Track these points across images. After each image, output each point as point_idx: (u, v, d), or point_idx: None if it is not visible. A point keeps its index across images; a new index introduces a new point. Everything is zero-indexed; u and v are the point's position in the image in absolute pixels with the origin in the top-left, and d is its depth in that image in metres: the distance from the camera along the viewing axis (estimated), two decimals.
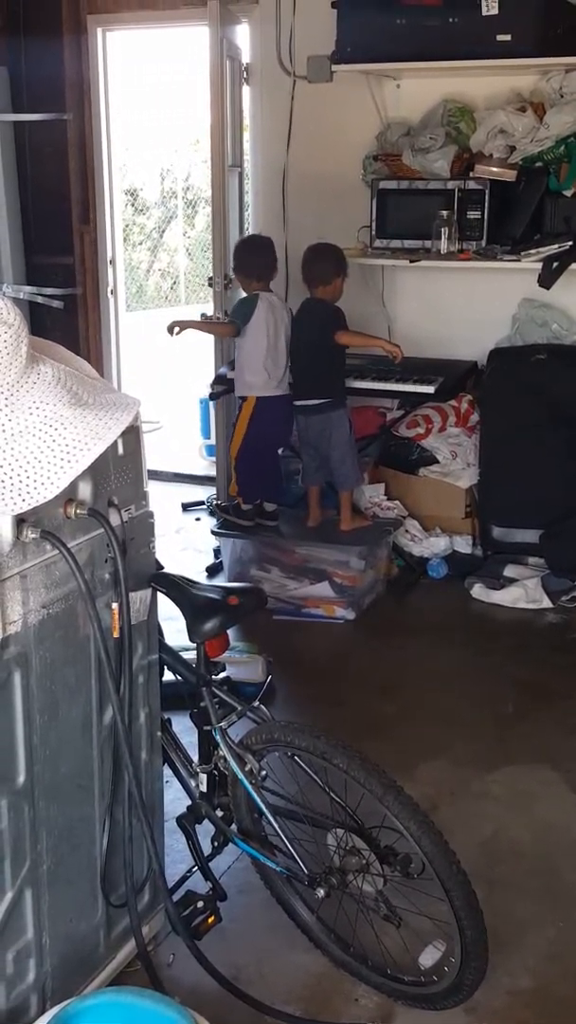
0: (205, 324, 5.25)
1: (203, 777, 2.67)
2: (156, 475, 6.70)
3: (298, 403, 4.91)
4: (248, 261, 4.93)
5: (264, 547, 4.97)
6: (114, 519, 2.26)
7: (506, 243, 5.10)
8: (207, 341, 5.53)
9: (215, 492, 5.91)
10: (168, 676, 2.68)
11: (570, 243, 4.86)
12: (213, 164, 5.33)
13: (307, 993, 2.56)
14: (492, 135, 5.02)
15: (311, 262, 4.85)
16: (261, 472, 5.02)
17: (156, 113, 12.95)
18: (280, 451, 5.07)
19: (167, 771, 2.71)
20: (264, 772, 2.52)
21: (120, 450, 2.30)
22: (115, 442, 2.17)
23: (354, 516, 4.99)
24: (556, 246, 4.88)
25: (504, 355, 5.14)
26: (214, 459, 6.07)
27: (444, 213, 5.07)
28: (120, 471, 2.32)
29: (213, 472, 6.09)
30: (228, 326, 4.99)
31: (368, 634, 4.65)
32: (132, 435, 2.34)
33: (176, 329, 4.98)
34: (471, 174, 5.11)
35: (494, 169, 5.03)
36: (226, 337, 5.14)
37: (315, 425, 4.92)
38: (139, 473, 2.40)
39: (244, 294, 4.98)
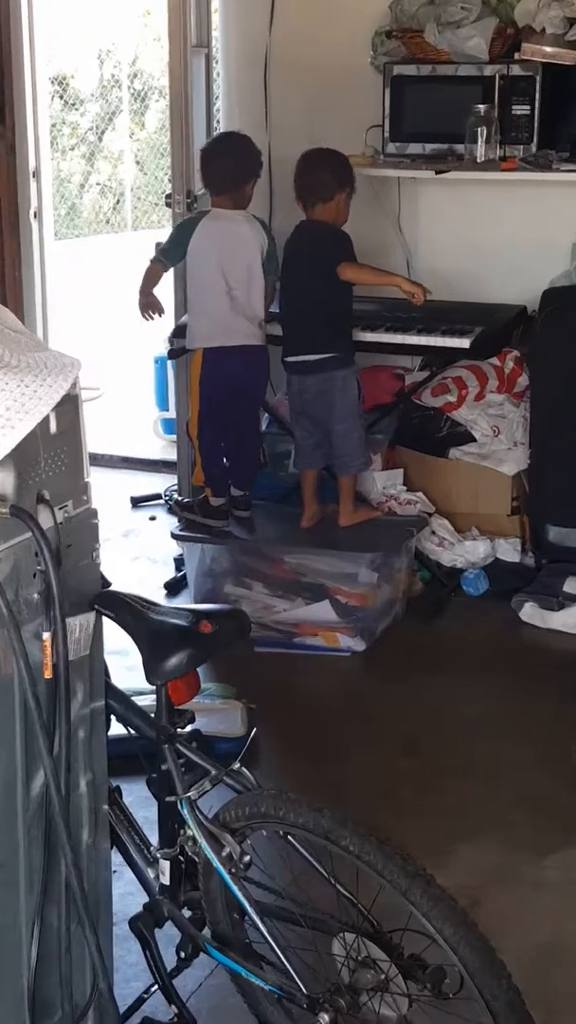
0: (147, 277, 5.23)
1: (165, 865, 2.65)
2: (97, 460, 6.70)
3: (289, 359, 4.92)
4: (203, 167, 5.05)
5: (242, 555, 4.97)
6: (44, 520, 2.25)
7: (564, 148, 5.13)
8: (165, 280, 5.52)
9: (175, 483, 5.92)
10: (118, 729, 2.66)
11: None
12: (171, 43, 5.33)
13: None
14: (545, 3, 5.05)
15: (304, 173, 4.88)
16: (225, 450, 5.08)
17: None
18: (249, 419, 5.11)
19: (116, 857, 2.70)
20: (247, 858, 2.51)
21: (53, 427, 2.29)
22: (46, 417, 2.16)
23: (357, 508, 5.01)
24: None
25: (562, 297, 5.16)
26: (174, 438, 6.08)
27: (481, 108, 5.10)
28: (53, 456, 2.31)
29: (173, 455, 6.10)
30: (153, 266, 5.11)
31: (383, 671, 4.66)
32: (69, 407, 2.32)
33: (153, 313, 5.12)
34: (517, 56, 5.13)
35: (547, 49, 5.05)
36: (156, 279, 5.17)
37: (312, 388, 4.93)
38: (78, 458, 2.38)
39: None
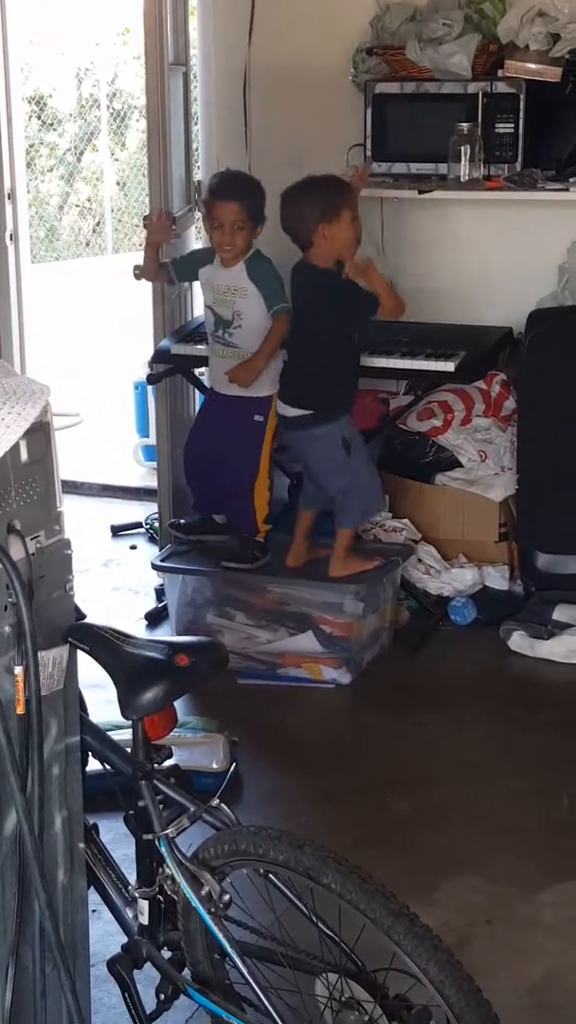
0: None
1: (143, 905, 2.65)
2: (75, 488, 6.72)
3: (279, 411, 4.91)
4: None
5: (224, 585, 4.97)
6: (15, 551, 2.25)
7: (549, 166, 5.15)
8: (145, 303, 5.54)
9: (156, 511, 5.92)
10: (93, 766, 2.66)
11: None
12: (148, 62, 5.35)
13: None
14: (528, 19, 5.07)
15: (283, 216, 4.72)
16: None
17: None
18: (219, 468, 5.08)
19: (93, 897, 2.70)
20: (228, 897, 2.51)
21: (23, 456, 2.30)
22: (16, 444, 2.17)
23: (351, 558, 4.87)
24: None
25: (549, 319, 5.18)
26: (155, 465, 6.08)
27: (464, 126, 5.12)
28: (23, 485, 2.32)
29: (154, 483, 6.10)
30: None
31: (370, 704, 4.66)
32: (40, 435, 2.33)
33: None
34: (500, 73, 5.16)
35: (531, 66, 5.07)
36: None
37: (292, 441, 4.96)
38: (50, 487, 2.39)
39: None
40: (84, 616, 2.54)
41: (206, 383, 5.21)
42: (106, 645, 2.48)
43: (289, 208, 4.68)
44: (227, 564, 4.95)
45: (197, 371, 5.42)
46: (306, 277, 4.76)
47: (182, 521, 5.22)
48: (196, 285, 5.32)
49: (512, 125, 5.10)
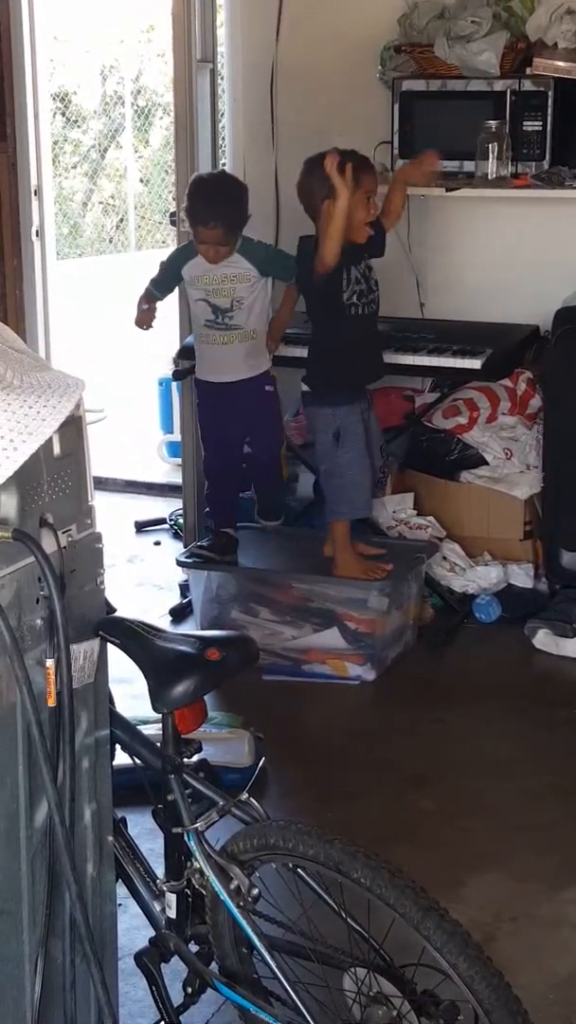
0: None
1: (171, 898, 2.65)
2: (99, 484, 6.64)
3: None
4: None
5: (249, 581, 4.98)
6: (48, 544, 2.26)
7: None
8: (171, 299, 5.54)
9: (180, 507, 5.92)
10: (123, 759, 2.67)
11: None
12: (176, 58, 5.35)
13: None
14: (557, 17, 5.06)
15: (299, 179, 4.74)
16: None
17: None
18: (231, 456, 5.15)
19: (121, 890, 2.70)
20: (256, 891, 2.51)
21: (56, 449, 2.30)
22: (50, 439, 2.17)
23: (355, 563, 4.82)
24: None
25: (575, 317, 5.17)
26: (179, 461, 6.08)
27: (492, 124, 5.11)
28: (56, 479, 2.32)
29: (178, 479, 6.10)
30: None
31: (394, 701, 4.66)
32: (73, 429, 2.34)
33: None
34: (529, 70, 5.15)
35: (560, 64, 5.07)
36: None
37: (308, 420, 4.99)
38: (82, 481, 2.40)
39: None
40: (114, 610, 2.54)
41: (204, 378, 5.12)
42: (137, 639, 2.48)
43: (302, 179, 4.70)
44: (264, 522, 5.12)
45: None
46: (304, 249, 4.75)
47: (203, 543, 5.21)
48: None
49: (540, 123, 5.09)
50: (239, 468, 5.20)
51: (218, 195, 4.88)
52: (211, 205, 4.84)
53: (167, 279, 5.12)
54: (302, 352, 5.00)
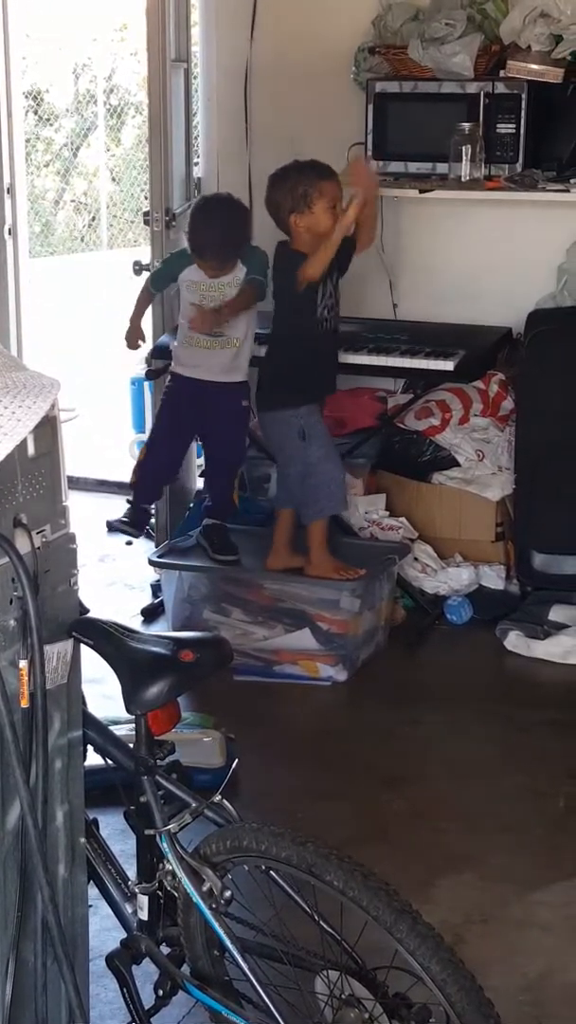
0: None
1: (143, 900, 2.65)
2: (72, 483, 6.63)
3: None
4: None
5: (221, 581, 4.97)
6: (21, 544, 2.25)
7: (550, 167, 5.15)
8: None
9: (153, 507, 5.91)
10: (94, 759, 2.66)
11: None
12: (150, 57, 5.34)
13: None
14: (531, 20, 5.07)
15: (266, 194, 4.75)
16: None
17: None
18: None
19: (93, 891, 2.69)
20: (229, 893, 2.51)
21: (31, 450, 2.30)
22: (24, 439, 2.16)
23: (329, 562, 4.81)
24: None
25: (548, 319, 5.19)
26: None
27: (465, 126, 5.11)
28: (31, 479, 2.31)
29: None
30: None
31: (366, 702, 4.66)
32: (47, 429, 2.33)
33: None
34: (502, 73, 5.16)
35: (534, 67, 5.08)
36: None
37: (261, 427, 5.01)
38: (56, 481, 2.39)
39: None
40: (87, 611, 2.54)
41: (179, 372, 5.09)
42: (110, 640, 2.48)
43: (268, 195, 4.72)
44: (220, 557, 4.96)
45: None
46: (276, 255, 4.78)
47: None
48: None
49: (513, 125, 5.10)
50: (176, 469, 5.28)
51: (215, 226, 4.85)
52: (208, 239, 4.82)
53: (164, 279, 5.10)
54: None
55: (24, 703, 2.25)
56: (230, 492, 5.14)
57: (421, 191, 5.26)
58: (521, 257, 5.44)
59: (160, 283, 5.14)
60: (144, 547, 5.86)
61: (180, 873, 2.51)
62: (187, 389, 5.01)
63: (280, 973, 2.54)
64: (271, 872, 2.49)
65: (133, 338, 5.20)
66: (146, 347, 5.31)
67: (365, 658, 4.87)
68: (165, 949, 2.67)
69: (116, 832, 2.84)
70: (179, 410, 5.07)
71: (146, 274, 5.32)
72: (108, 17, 13.91)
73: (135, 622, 5.18)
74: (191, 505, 5.56)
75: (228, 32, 5.76)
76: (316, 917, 2.49)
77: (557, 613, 5.02)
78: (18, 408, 2.03)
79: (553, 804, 3.97)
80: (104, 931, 2.93)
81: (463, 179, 5.13)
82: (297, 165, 4.68)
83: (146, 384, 6.42)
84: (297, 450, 4.80)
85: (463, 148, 5.10)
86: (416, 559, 5.27)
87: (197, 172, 5.88)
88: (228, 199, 4.98)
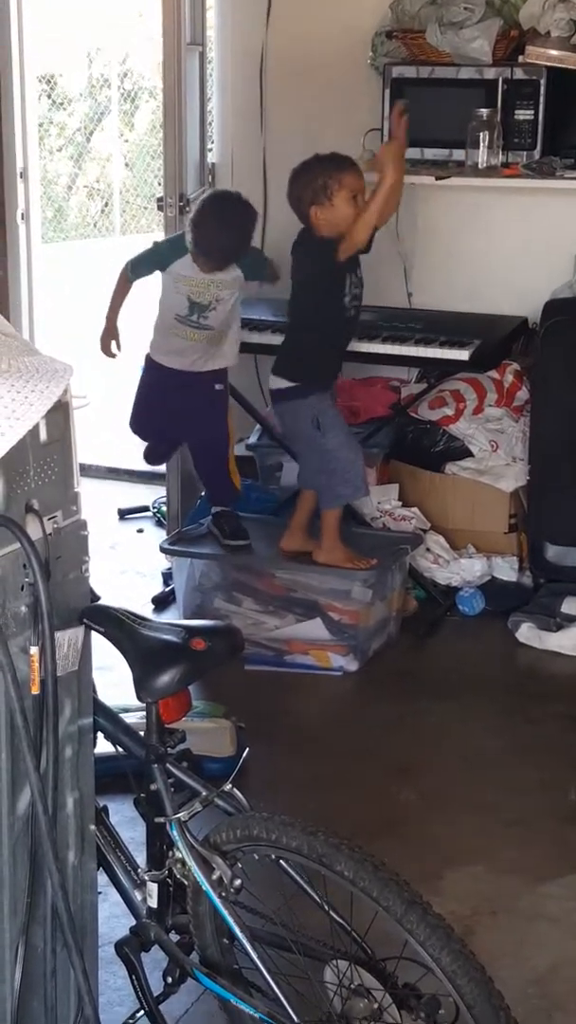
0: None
1: (152, 888, 2.65)
2: (83, 470, 6.63)
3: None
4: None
5: (233, 570, 4.98)
6: (33, 530, 2.25)
7: (568, 154, 5.15)
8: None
9: (164, 494, 5.92)
10: (104, 747, 2.67)
11: None
12: (165, 41, 5.34)
13: None
14: (550, 5, 5.07)
15: (287, 189, 4.72)
16: None
17: None
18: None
19: (102, 878, 2.70)
20: (238, 882, 2.51)
21: (43, 436, 2.30)
22: (36, 424, 2.17)
23: (340, 550, 4.80)
24: None
25: (564, 309, 5.18)
26: None
27: (483, 112, 5.11)
28: (42, 465, 2.31)
29: (162, 467, 6.09)
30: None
31: (376, 693, 4.66)
32: (60, 415, 2.33)
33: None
34: (521, 59, 5.15)
35: (552, 52, 5.07)
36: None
37: (276, 417, 4.99)
38: (68, 468, 2.39)
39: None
40: (99, 598, 2.54)
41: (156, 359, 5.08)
42: (122, 627, 2.48)
43: (289, 190, 4.68)
44: (231, 543, 4.97)
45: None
46: (297, 242, 4.74)
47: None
48: None
49: (531, 112, 5.10)
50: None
51: (230, 231, 4.77)
52: (220, 242, 4.76)
53: (149, 266, 5.00)
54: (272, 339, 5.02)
55: (35, 690, 2.25)
56: (224, 475, 5.08)
57: (437, 178, 5.26)
58: (538, 245, 5.43)
59: (144, 270, 5.00)
60: (155, 535, 5.87)
61: (190, 861, 2.52)
62: (162, 379, 5.00)
63: (289, 962, 2.54)
64: (281, 861, 2.50)
65: (107, 341, 5.11)
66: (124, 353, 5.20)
67: (376, 648, 4.88)
68: (174, 937, 2.68)
69: (126, 820, 2.84)
70: (151, 403, 5.09)
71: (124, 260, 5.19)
72: (124, 3, 13.87)
73: (146, 610, 5.19)
74: (202, 493, 5.57)
75: (244, 15, 5.76)
76: (326, 907, 2.49)
77: (570, 605, 5.01)
78: (30, 393, 2.04)
79: (563, 797, 3.97)
80: (113, 918, 2.94)
81: (480, 166, 5.14)
82: (317, 158, 4.65)
83: None
84: (314, 439, 4.79)
85: (481, 135, 5.11)
86: (428, 550, 5.27)
87: (211, 157, 5.88)
88: (244, 202, 4.84)
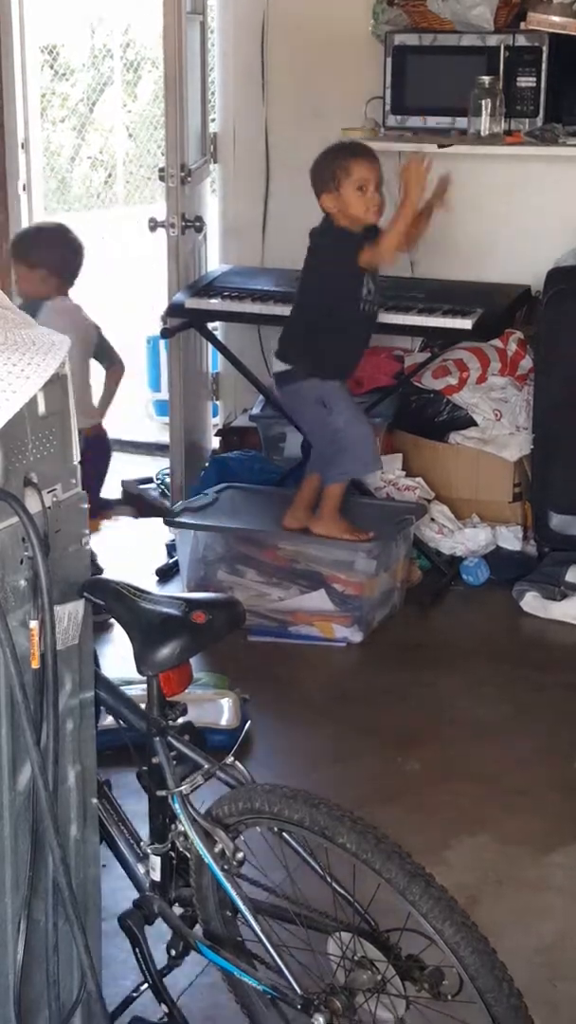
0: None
1: (155, 861, 2.65)
2: None
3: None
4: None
5: (236, 542, 4.97)
6: (32, 504, 2.24)
7: (571, 122, 5.12)
8: (159, 256, 5.52)
9: (168, 466, 5.91)
10: (106, 720, 2.66)
11: None
12: (166, 10, 5.29)
13: None
14: None
15: None
16: None
17: None
18: None
19: (105, 852, 2.70)
20: (241, 854, 2.51)
21: (41, 408, 2.28)
22: (34, 397, 2.15)
23: (337, 522, 4.78)
24: None
25: (567, 277, 5.14)
26: (167, 420, 6.06)
27: (485, 80, 5.08)
28: (41, 437, 2.30)
29: (166, 438, 6.08)
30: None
31: (381, 663, 4.66)
32: (58, 388, 2.32)
33: None
34: (523, 25, 5.12)
35: (555, 19, 5.04)
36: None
37: (280, 401, 4.97)
38: (67, 440, 2.38)
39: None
40: (102, 570, 2.54)
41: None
42: (122, 600, 2.46)
43: (314, 165, 4.62)
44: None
45: (211, 325, 5.41)
46: (320, 231, 4.68)
47: None
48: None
49: (534, 79, 5.08)
50: None
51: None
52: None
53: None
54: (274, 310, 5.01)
55: (35, 664, 2.24)
56: None
57: (440, 146, 5.23)
58: (541, 213, 5.41)
59: None
60: None
61: (192, 834, 2.51)
62: None
63: (292, 934, 2.54)
64: (284, 834, 2.49)
65: None
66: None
67: (381, 619, 4.87)
68: (178, 910, 2.67)
69: (128, 793, 2.83)
70: None
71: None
72: None
73: (150, 582, 5.19)
74: (206, 464, 5.56)
75: None
76: (329, 879, 2.49)
77: (574, 574, 5.00)
78: (27, 366, 2.02)
79: (568, 767, 3.97)
80: (116, 891, 2.93)
81: (483, 134, 5.12)
82: (335, 145, 4.64)
83: (162, 343, 6.40)
84: (320, 418, 4.76)
85: (483, 102, 5.08)
86: (432, 520, 5.26)
87: (213, 127, 5.85)
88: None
